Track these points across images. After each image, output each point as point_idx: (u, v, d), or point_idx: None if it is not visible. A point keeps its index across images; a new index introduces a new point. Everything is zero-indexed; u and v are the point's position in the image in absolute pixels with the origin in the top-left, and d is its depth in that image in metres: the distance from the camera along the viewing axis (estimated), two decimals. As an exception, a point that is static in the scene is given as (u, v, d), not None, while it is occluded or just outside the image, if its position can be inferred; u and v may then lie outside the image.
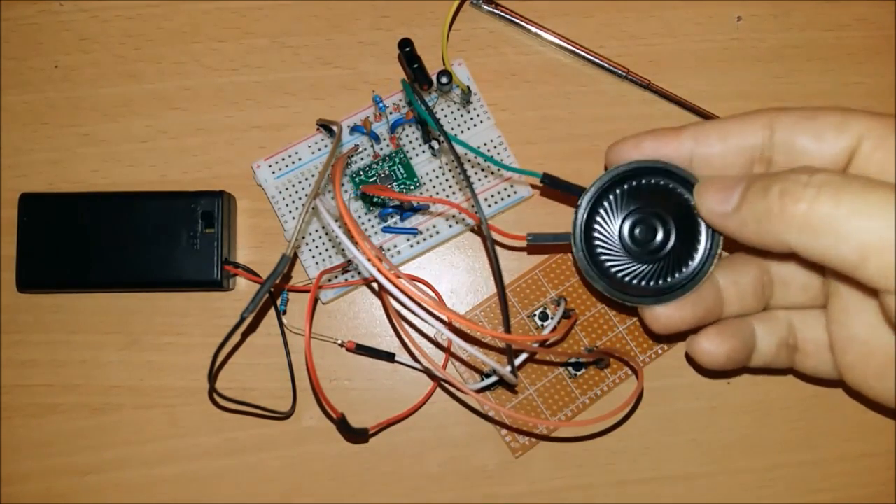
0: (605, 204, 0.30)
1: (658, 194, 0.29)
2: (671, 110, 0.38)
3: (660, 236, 0.30)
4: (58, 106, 0.38)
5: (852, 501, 0.37)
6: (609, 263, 0.30)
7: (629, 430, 0.37)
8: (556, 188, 0.30)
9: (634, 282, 0.30)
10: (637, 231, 0.30)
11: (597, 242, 0.30)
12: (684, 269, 0.30)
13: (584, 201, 0.30)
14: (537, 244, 0.31)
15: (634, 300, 0.30)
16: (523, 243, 0.31)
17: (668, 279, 0.30)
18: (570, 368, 0.36)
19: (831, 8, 0.39)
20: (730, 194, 0.27)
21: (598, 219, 0.30)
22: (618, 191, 0.30)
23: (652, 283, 0.30)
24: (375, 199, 0.36)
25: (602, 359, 0.36)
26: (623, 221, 0.30)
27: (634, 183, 0.30)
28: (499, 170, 0.37)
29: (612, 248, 0.30)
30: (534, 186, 0.37)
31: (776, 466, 0.37)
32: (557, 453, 0.37)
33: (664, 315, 0.30)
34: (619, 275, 0.30)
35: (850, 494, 0.37)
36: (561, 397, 0.36)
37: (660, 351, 0.37)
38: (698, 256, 0.30)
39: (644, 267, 0.30)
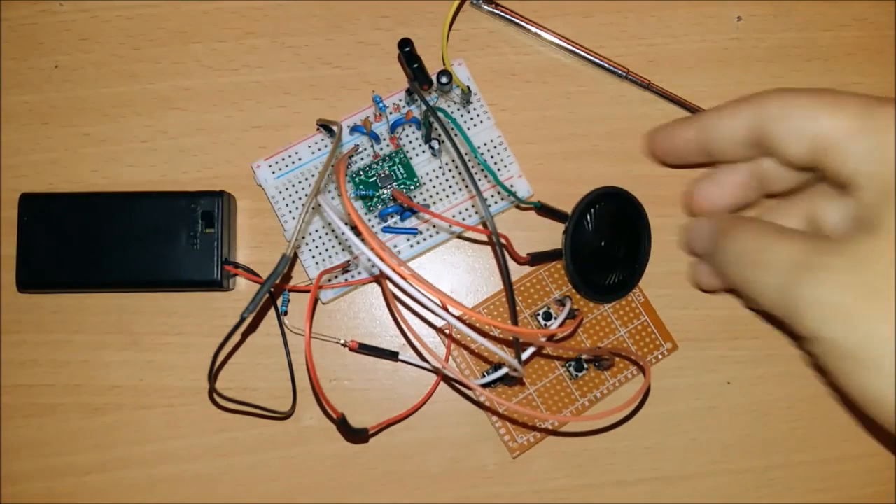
0: (583, 223, 0.35)
1: (615, 214, 0.36)
2: (671, 110, 0.38)
3: (619, 248, 0.36)
4: (58, 106, 0.38)
5: (852, 501, 0.37)
6: (589, 273, 0.36)
7: (629, 430, 0.37)
8: (548, 214, 0.36)
9: (605, 282, 0.36)
10: (604, 246, 0.36)
11: (580, 257, 0.35)
12: (636, 266, 0.37)
13: (571, 227, 0.35)
14: (536, 261, 0.36)
15: (606, 299, 0.37)
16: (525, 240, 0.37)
17: (624, 276, 0.36)
18: (570, 370, 0.36)
19: (831, 8, 0.39)
20: (709, 245, 0.33)
21: (579, 236, 0.35)
22: (592, 210, 0.35)
23: (615, 281, 0.36)
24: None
25: (602, 359, 0.36)
26: (594, 237, 0.35)
27: (601, 204, 0.35)
28: (499, 170, 0.37)
29: (588, 259, 0.35)
30: (518, 208, 0.37)
31: (776, 466, 0.37)
32: (557, 453, 0.37)
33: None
34: (596, 280, 0.36)
35: (850, 494, 0.37)
36: (561, 398, 0.36)
37: (660, 356, 0.37)
38: (640, 257, 0.37)
39: (610, 272, 0.36)
